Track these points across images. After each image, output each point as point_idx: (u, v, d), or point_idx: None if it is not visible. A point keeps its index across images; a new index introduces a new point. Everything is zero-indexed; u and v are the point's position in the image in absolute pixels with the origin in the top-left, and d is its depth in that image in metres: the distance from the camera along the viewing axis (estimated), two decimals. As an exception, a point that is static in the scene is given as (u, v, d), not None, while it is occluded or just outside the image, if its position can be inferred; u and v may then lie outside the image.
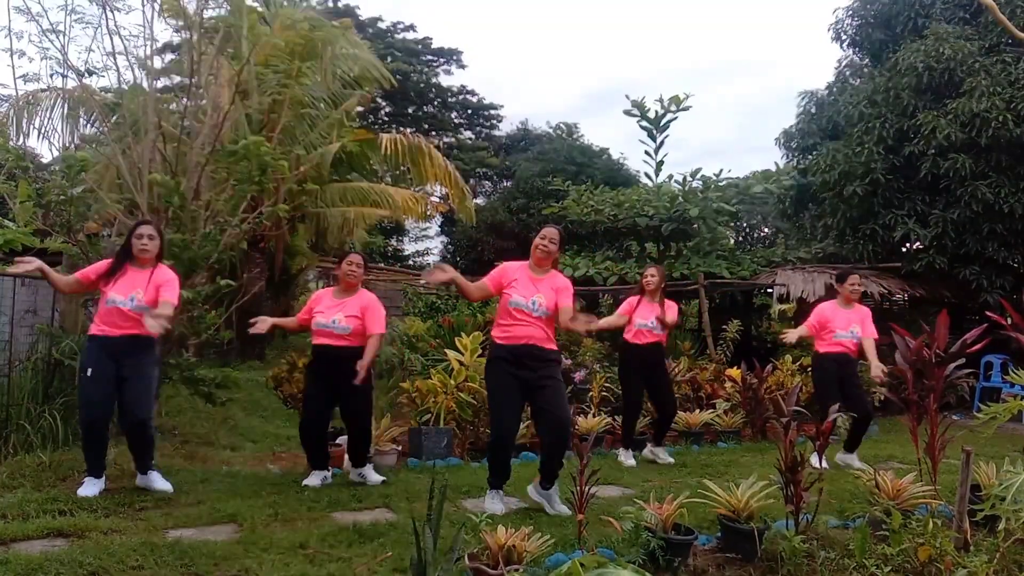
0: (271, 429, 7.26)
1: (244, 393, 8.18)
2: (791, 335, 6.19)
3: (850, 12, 12.85)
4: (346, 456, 5.33)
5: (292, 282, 13.46)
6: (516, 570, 2.96)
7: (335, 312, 4.93)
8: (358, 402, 4.94)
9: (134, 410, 4.48)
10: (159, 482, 4.60)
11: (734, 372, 8.02)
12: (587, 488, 3.60)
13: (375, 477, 5.07)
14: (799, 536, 3.36)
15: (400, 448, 5.89)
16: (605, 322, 6.15)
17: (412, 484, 4.95)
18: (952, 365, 4.09)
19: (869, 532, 3.29)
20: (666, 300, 6.23)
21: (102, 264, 4.62)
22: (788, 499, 3.60)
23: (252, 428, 7.26)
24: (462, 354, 6.54)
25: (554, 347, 4.49)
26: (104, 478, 4.54)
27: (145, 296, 4.49)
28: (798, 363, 8.55)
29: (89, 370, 4.45)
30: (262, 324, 4.98)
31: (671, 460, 6.11)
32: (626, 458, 6.06)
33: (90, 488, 4.39)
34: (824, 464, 5.51)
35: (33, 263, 4.31)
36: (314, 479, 4.94)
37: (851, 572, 3.22)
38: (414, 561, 2.73)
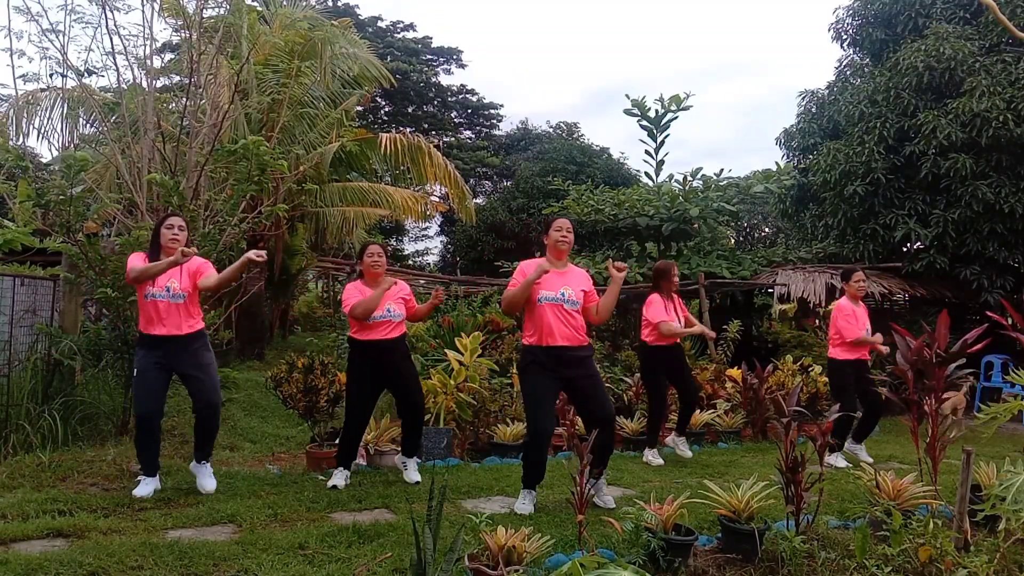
0: (270, 429, 7.26)
1: (243, 393, 8.19)
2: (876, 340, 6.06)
3: (850, 12, 12.86)
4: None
5: (291, 282, 13.46)
6: (516, 571, 2.95)
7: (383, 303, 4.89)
8: (417, 388, 5.11)
9: (208, 396, 4.57)
10: (209, 479, 4.61)
11: (735, 372, 8.02)
12: (587, 488, 3.59)
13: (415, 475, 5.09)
14: (800, 536, 3.35)
15: (400, 448, 5.87)
16: (677, 331, 5.99)
17: (411, 484, 4.94)
18: (953, 365, 4.07)
19: (870, 532, 3.28)
20: (676, 297, 6.24)
21: (138, 258, 4.53)
22: (789, 499, 3.59)
23: (251, 428, 7.26)
24: (462, 354, 6.53)
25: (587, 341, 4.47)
26: (159, 477, 4.56)
27: (181, 284, 4.52)
28: (799, 363, 8.55)
29: (136, 370, 4.49)
30: None
31: (690, 453, 6.11)
32: (653, 457, 6.03)
33: (145, 488, 4.40)
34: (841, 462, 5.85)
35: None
36: (342, 478, 4.92)
37: (852, 572, 3.21)
38: (414, 562, 2.72)
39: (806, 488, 3.57)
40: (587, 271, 4.73)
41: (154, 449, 4.52)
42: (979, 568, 2.87)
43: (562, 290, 4.32)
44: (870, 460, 5.94)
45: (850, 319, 6.11)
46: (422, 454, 5.40)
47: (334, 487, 4.77)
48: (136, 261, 4.50)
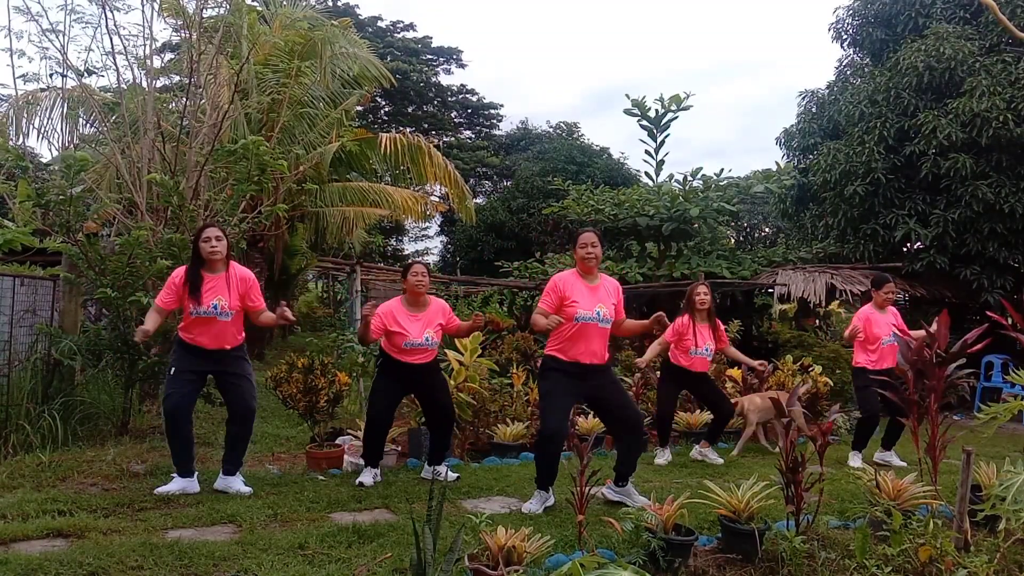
0: (270, 430, 7.24)
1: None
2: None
3: (851, 11, 12.85)
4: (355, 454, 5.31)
5: (292, 282, 13.46)
6: (516, 571, 2.95)
7: (423, 329, 4.89)
8: (446, 395, 5.12)
9: (246, 402, 4.59)
10: (238, 484, 4.62)
11: (735, 372, 8.01)
12: (587, 488, 3.59)
13: (452, 474, 5.11)
14: (800, 537, 3.35)
15: (400, 448, 5.88)
16: (648, 357, 6.09)
17: (412, 485, 4.94)
18: (953, 365, 4.07)
19: (870, 532, 3.28)
20: (717, 322, 6.15)
21: (176, 280, 4.50)
22: (789, 499, 3.59)
23: (251, 428, 7.25)
24: (462, 354, 6.52)
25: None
26: (196, 479, 4.56)
27: (229, 302, 4.51)
28: (799, 363, 8.54)
29: (173, 369, 4.50)
30: None
31: (720, 460, 6.09)
32: (662, 457, 6.06)
33: (172, 485, 4.44)
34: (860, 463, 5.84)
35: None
36: (369, 476, 4.95)
37: (852, 572, 3.21)
38: (414, 562, 2.72)
39: (806, 488, 3.57)
40: (615, 280, 4.69)
41: (186, 448, 4.52)
42: (979, 568, 2.87)
43: (597, 308, 4.34)
44: (901, 464, 5.97)
45: (865, 321, 6.09)
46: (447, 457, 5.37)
47: (361, 484, 4.82)
48: (160, 297, 4.54)
